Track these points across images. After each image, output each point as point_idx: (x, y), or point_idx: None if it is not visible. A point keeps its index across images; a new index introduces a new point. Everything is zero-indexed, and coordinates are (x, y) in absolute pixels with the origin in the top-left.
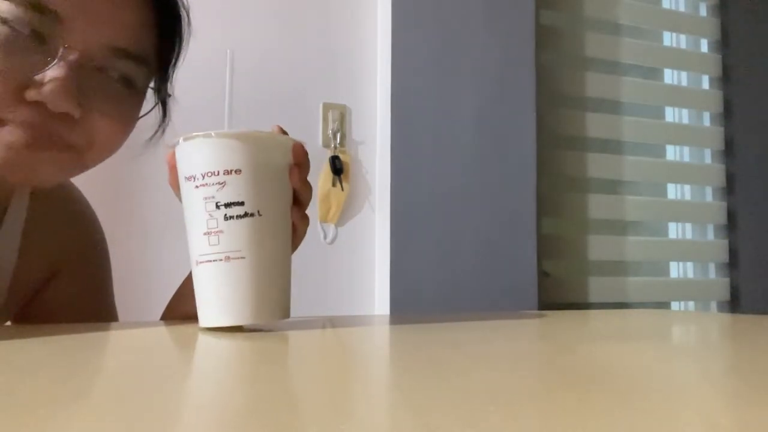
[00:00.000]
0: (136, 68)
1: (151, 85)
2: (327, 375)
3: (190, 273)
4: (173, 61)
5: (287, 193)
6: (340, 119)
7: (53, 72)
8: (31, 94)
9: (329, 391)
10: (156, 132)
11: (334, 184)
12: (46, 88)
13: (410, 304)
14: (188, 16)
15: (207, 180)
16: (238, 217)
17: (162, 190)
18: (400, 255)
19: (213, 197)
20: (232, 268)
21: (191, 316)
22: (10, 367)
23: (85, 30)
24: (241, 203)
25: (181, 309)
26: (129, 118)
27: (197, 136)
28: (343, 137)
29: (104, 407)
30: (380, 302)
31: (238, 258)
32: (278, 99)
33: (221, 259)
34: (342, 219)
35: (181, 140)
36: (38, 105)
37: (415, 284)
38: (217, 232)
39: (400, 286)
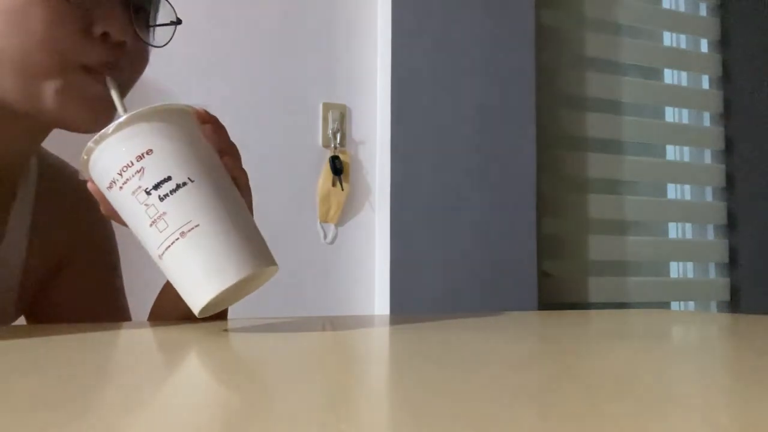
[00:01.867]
0: (152, 5)
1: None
2: (327, 375)
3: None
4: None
5: (211, 156)
6: (340, 119)
7: (112, 6)
8: (98, 28)
9: (329, 391)
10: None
11: (334, 184)
12: (110, 20)
13: (410, 304)
14: None
15: (125, 175)
16: (172, 192)
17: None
18: (400, 255)
19: (139, 187)
20: (192, 241)
21: (182, 317)
22: (9, 367)
23: None
24: (168, 178)
25: (172, 310)
26: (148, 48)
27: (89, 146)
28: (343, 137)
29: (103, 408)
30: (380, 302)
31: (193, 228)
32: (278, 99)
33: (178, 238)
34: (342, 219)
35: (83, 156)
36: (103, 38)
37: (415, 284)
38: (160, 215)
39: (400, 286)
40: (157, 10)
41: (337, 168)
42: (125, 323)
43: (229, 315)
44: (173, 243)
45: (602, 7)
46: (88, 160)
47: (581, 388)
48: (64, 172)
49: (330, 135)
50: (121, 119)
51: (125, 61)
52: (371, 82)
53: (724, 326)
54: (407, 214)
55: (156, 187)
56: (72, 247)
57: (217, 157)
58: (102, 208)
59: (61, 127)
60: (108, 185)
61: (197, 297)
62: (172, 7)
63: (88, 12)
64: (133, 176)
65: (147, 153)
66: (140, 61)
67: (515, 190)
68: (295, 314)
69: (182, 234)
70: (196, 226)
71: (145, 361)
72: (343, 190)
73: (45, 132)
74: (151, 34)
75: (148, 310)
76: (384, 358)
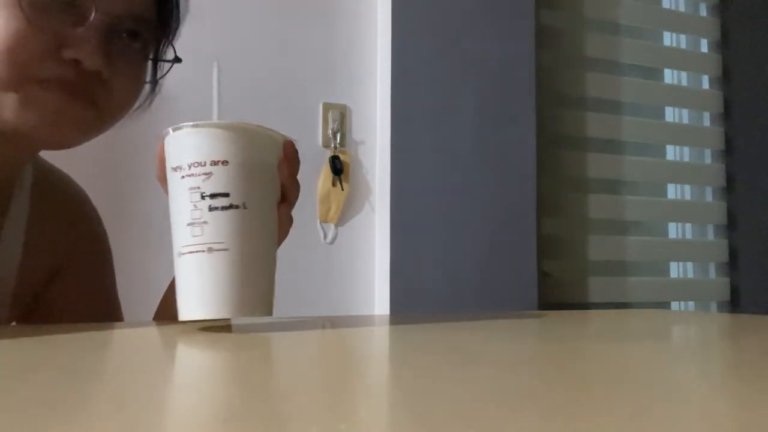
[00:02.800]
0: (149, 34)
1: (150, 55)
2: (327, 375)
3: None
4: (170, 34)
5: (275, 189)
6: (340, 119)
7: (88, 32)
8: (68, 53)
9: (329, 391)
10: (145, 101)
11: (334, 184)
12: (81, 47)
13: (410, 304)
14: None
15: (193, 170)
16: (223, 208)
17: (161, 189)
18: (400, 255)
19: (198, 188)
20: (214, 260)
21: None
22: (9, 367)
23: None
24: (227, 194)
25: (173, 308)
26: (141, 82)
27: (185, 126)
28: (343, 137)
29: (103, 408)
30: (380, 302)
31: (221, 250)
32: (278, 99)
33: (204, 251)
34: (342, 219)
35: (170, 130)
36: (73, 63)
37: (415, 284)
38: (201, 223)
39: (400, 286)
40: (158, 44)
41: (337, 168)
42: (126, 323)
43: None
44: (197, 252)
45: (602, 7)
46: (174, 132)
47: (581, 388)
48: (59, 179)
49: (330, 135)
50: (223, 122)
51: (99, 87)
52: (371, 82)
53: (724, 326)
54: (407, 214)
55: (212, 196)
56: (66, 253)
57: (278, 193)
58: (157, 171)
59: (34, 144)
60: (174, 167)
61: (187, 310)
62: (173, 46)
63: (58, 34)
64: (199, 175)
65: (222, 162)
66: (123, 93)
67: (515, 190)
68: (295, 314)
69: (209, 249)
70: (225, 249)
71: (144, 360)
72: (343, 190)
73: (35, 147)
74: (142, 68)
75: (148, 309)
76: (384, 358)
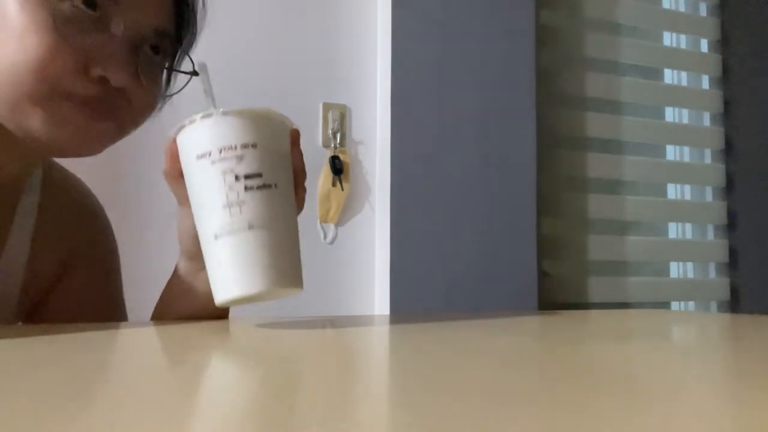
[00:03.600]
0: (170, 48)
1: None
2: (327, 375)
3: (174, 275)
4: (187, 43)
5: (291, 170)
6: (340, 119)
7: (114, 48)
8: (96, 71)
9: (329, 391)
10: (160, 105)
11: (334, 184)
12: (110, 65)
13: (410, 304)
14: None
15: (225, 154)
16: (258, 188)
17: (164, 189)
18: (400, 255)
19: (232, 170)
20: (255, 237)
21: (183, 315)
22: (11, 367)
23: (137, 12)
24: (260, 175)
25: (173, 309)
26: (159, 93)
27: (213, 113)
28: (343, 137)
29: (105, 408)
30: (380, 302)
31: (260, 227)
32: (278, 99)
33: (245, 228)
34: (342, 219)
35: (196, 118)
36: (101, 80)
37: (415, 284)
38: (239, 202)
39: (400, 286)
40: (175, 56)
41: (337, 168)
42: (127, 323)
43: (231, 314)
44: (239, 231)
45: (602, 7)
46: (186, 126)
47: (581, 388)
48: (68, 183)
49: (330, 135)
50: (242, 108)
51: (123, 102)
52: (371, 82)
53: (724, 326)
54: (407, 214)
55: (247, 177)
56: (75, 251)
57: (292, 174)
58: (166, 167)
59: (56, 155)
60: (201, 155)
61: (227, 290)
62: (191, 59)
63: (88, 52)
64: (231, 158)
65: (252, 145)
66: (143, 105)
67: (515, 190)
68: (295, 314)
69: (250, 227)
70: (264, 226)
71: (145, 360)
72: (343, 190)
73: (52, 155)
74: (161, 79)
75: (147, 308)
76: (384, 358)
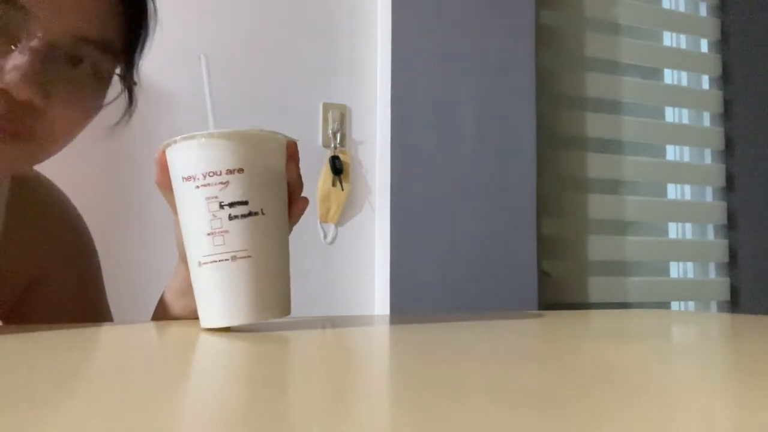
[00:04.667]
0: (101, 56)
1: (118, 71)
2: (327, 375)
3: (173, 276)
4: (139, 48)
5: (284, 192)
6: (340, 119)
7: (16, 60)
8: None
9: (329, 391)
10: (122, 118)
11: (334, 184)
12: (9, 76)
13: (410, 304)
14: (154, 4)
15: (209, 180)
16: (243, 216)
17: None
18: (400, 255)
19: (216, 197)
20: (238, 268)
21: (184, 316)
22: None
23: (48, 18)
24: (245, 202)
25: (173, 309)
26: (92, 106)
27: (197, 135)
28: (343, 137)
29: (95, 407)
30: (380, 302)
31: (245, 257)
32: (278, 99)
33: (228, 259)
34: (342, 219)
35: (178, 139)
36: (2, 93)
37: (415, 284)
38: (222, 232)
39: (400, 286)
40: (131, 64)
41: (337, 168)
42: (121, 322)
43: None
44: (221, 261)
45: (602, 7)
46: (182, 142)
47: (581, 388)
48: (38, 184)
49: (330, 135)
50: (235, 130)
51: (41, 122)
52: (371, 82)
53: (724, 326)
54: (407, 214)
55: (231, 205)
56: (48, 261)
57: (286, 195)
58: (156, 176)
59: None
60: (186, 177)
61: (211, 318)
62: (135, 66)
63: None
64: (215, 184)
65: (238, 171)
66: (63, 121)
67: (515, 190)
68: (295, 314)
69: (233, 258)
70: (248, 257)
71: (143, 360)
72: (343, 190)
73: None
74: (93, 90)
75: (147, 308)
76: (384, 358)
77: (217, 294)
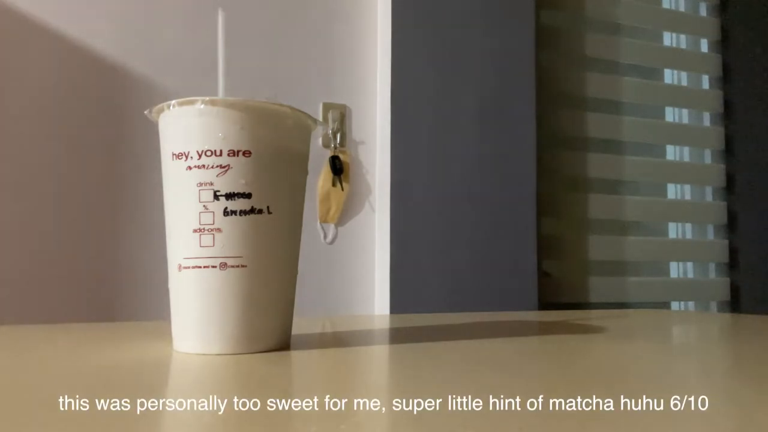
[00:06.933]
0: None
1: None
2: (326, 375)
3: None
4: None
5: (302, 188)
6: (340, 119)
7: None
8: None
9: (329, 391)
10: None
11: (334, 184)
12: None
13: (410, 304)
14: None
15: (205, 160)
16: (242, 212)
17: (159, 187)
18: (400, 255)
19: (211, 183)
20: (227, 279)
21: None
22: None
23: None
24: (248, 195)
25: None
26: None
27: (197, 100)
28: (343, 137)
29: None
30: (380, 302)
31: (238, 266)
32: (278, 99)
33: (215, 266)
34: (342, 219)
35: (174, 104)
36: None
37: (415, 284)
38: (212, 229)
39: (400, 286)
40: None
41: (337, 168)
42: (127, 323)
43: None
44: (206, 267)
45: (602, 7)
46: (177, 107)
47: (581, 387)
48: None
49: (330, 135)
50: (247, 99)
51: None
52: (371, 82)
53: (724, 326)
54: (407, 214)
55: (229, 196)
56: None
57: (304, 188)
58: None
59: None
60: (177, 154)
61: (186, 341)
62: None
63: None
64: (212, 167)
65: (244, 153)
66: None
67: (515, 190)
68: (295, 314)
69: (222, 265)
70: (243, 266)
71: (142, 360)
72: (343, 190)
73: None
74: None
75: (147, 308)
76: (384, 358)
77: (197, 310)
